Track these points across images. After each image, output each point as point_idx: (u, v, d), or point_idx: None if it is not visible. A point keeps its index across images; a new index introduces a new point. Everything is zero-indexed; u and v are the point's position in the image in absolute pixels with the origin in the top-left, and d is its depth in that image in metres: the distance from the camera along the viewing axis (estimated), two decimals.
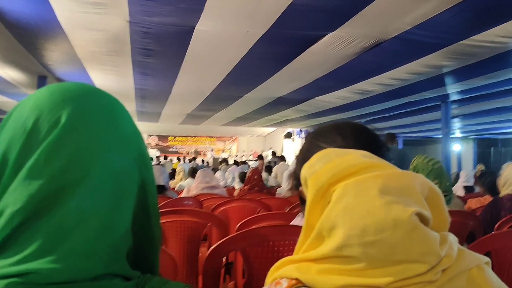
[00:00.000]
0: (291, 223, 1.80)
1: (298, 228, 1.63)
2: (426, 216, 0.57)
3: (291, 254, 0.65)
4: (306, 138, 0.94)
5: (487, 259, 0.65)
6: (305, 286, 0.57)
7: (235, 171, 9.93)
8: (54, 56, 6.12)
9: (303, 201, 0.78)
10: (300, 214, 1.97)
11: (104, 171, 0.55)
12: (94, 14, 4.25)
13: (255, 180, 4.94)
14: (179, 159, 18.02)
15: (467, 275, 0.59)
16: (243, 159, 19.36)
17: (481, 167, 11.67)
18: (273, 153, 13.54)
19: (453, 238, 0.62)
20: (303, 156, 0.86)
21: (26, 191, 0.50)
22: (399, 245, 0.53)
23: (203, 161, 19.10)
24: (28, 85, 7.92)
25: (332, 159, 0.62)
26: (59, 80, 7.67)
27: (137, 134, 0.63)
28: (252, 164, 14.05)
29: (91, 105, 0.58)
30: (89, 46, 5.47)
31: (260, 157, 12.60)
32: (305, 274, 0.57)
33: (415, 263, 0.54)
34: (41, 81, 7.44)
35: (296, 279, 0.58)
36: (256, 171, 5.12)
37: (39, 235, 0.50)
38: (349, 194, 0.56)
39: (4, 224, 0.50)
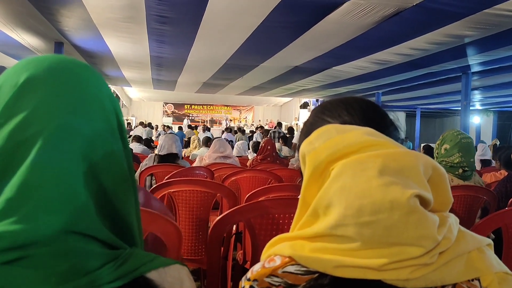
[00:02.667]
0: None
1: None
2: (427, 198, 0.55)
3: None
4: (312, 111, 0.88)
5: (488, 241, 0.63)
6: (298, 264, 0.57)
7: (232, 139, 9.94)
8: (70, 22, 6.11)
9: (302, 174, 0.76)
10: None
11: (60, 128, 0.55)
12: None
13: (268, 150, 4.92)
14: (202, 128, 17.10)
15: (466, 258, 0.58)
16: (253, 128, 19.26)
17: (495, 141, 11.52)
18: (279, 124, 13.44)
19: (453, 220, 0.60)
20: (307, 130, 0.83)
21: None
22: (395, 227, 0.52)
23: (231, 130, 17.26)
24: (45, 51, 7.95)
25: (332, 136, 0.60)
26: (75, 46, 7.69)
27: (106, 103, 0.62)
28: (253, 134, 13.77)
29: (53, 67, 0.59)
30: (104, 12, 5.44)
31: (261, 127, 12.59)
32: (298, 252, 0.57)
33: (410, 246, 0.53)
34: (58, 47, 7.46)
35: (289, 257, 0.58)
36: (269, 141, 5.10)
37: (5, 196, 0.50)
38: (347, 173, 0.55)
39: None
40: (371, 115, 0.79)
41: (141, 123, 17.37)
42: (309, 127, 0.83)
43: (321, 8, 4.79)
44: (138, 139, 8.49)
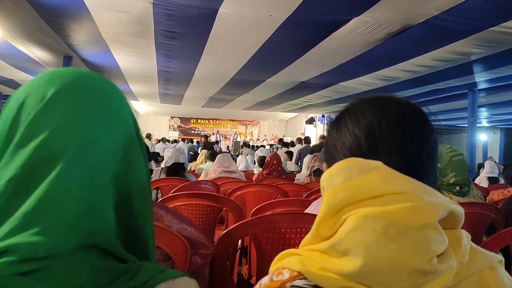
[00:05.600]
0: (306, 211, 1.79)
1: (311, 216, 1.61)
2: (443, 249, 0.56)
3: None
4: (344, 110, 0.75)
5: (500, 257, 0.63)
6: (306, 279, 0.57)
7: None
8: (79, 37, 6.19)
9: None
10: (314, 202, 1.96)
11: (84, 143, 0.56)
12: None
13: (274, 165, 4.92)
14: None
15: (477, 276, 0.58)
16: (264, 143, 19.35)
17: (491, 159, 11.52)
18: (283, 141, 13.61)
19: (466, 240, 0.60)
20: (332, 134, 0.74)
21: (14, 162, 0.53)
22: (409, 286, 0.53)
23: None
24: (54, 65, 8.05)
25: (353, 176, 0.58)
26: (84, 60, 7.77)
27: (127, 116, 0.64)
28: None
29: (79, 83, 0.60)
30: (113, 27, 5.51)
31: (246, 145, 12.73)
32: (307, 268, 0.57)
33: None
34: (67, 61, 7.56)
35: (298, 271, 0.58)
36: (275, 156, 5.11)
37: (23, 209, 0.51)
38: (366, 229, 0.54)
39: None
40: (408, 127, 0.73)
41: (182, 139, 17.17)
42: (334, 131, 0.74)
43: (328, 25, 4.82)
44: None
